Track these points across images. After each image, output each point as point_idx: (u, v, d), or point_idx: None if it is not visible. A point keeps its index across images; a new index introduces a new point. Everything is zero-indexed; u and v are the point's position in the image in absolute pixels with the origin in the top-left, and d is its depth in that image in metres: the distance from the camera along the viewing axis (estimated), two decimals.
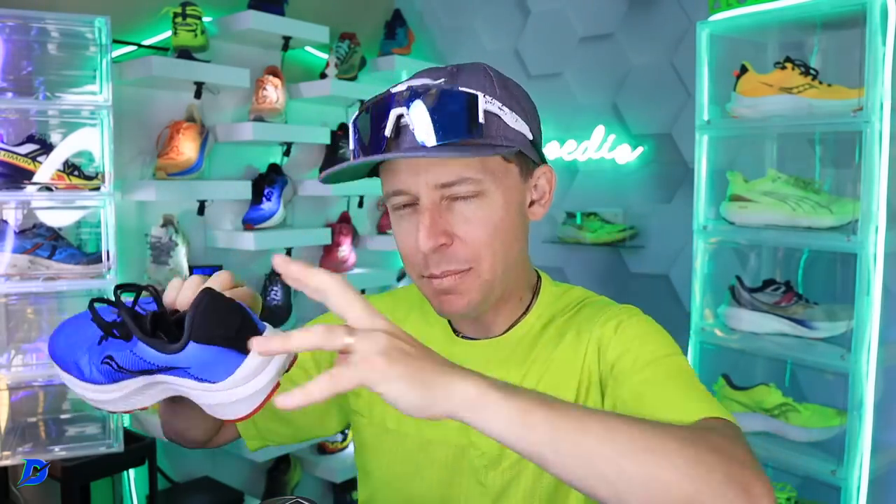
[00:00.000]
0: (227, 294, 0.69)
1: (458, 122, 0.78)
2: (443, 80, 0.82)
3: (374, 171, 0.90)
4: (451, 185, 0.81)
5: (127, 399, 0.71)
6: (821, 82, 1.68)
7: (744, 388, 1.82)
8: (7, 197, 1.69)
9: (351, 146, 0.86)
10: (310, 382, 0.58)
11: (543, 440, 0.59)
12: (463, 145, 0.78)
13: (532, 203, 0.89)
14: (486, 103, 0.80)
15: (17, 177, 1.68)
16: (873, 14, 1.54)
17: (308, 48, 2.49)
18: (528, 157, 0.86)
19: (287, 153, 2.34)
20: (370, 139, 0.81)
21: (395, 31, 2.62)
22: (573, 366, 0.88)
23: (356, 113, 0.85)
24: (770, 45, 1.94)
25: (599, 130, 2.30)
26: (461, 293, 0.84)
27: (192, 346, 0.64)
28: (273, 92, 2.21)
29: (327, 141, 2.38)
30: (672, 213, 2.19)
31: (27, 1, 1.76)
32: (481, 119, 0.79)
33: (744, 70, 1.76)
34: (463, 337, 0.95)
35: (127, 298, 0.69)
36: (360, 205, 2.60)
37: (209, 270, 2.28)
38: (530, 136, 0.85)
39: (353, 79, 2.45)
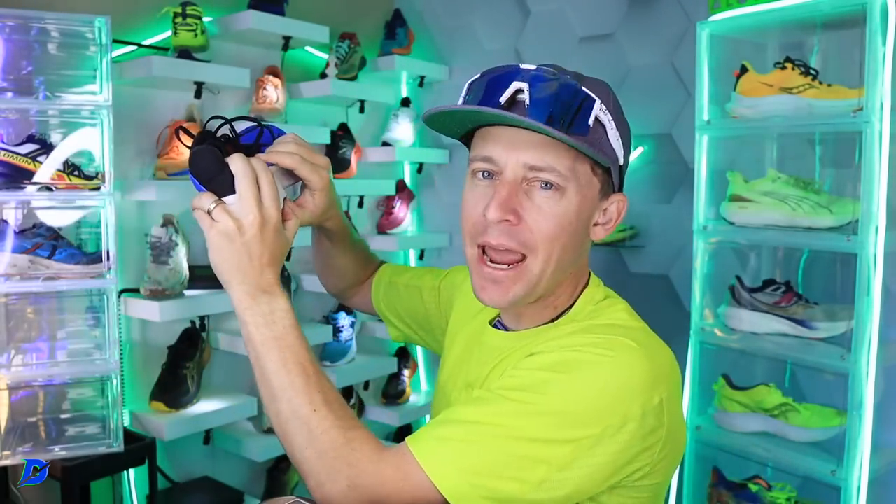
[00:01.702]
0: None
1: (570, 115, 0.81)
2: (569, 76, 0.84)
3: (466, 139, 0.94)
4: (538, 170, 0.83)
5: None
6: (821, 82, 1.68)
7: (744, 388, 1.82)
8: (7, 197, 1.69)
9: (458, 103, 0.88)
10: (204, 197, 0.86)
11: (252, 356, 0.85)
12: (574, 137, 0.81)
13: (597, 223, 0.91)
14: (599, 110, 0.83)
15: (17, 177, 1.68)
16: (873, 14, 1.54)
17: (308, 48, 2.49)
18: (612, 178, 0.88)
19: None
20: (482, 101, 0.84)
21: (395, 31, 2.62)
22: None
23: (474, 76, 0.88)
24: (770, 45, 1.94)
25: None
26: (506, 285, 0.87)
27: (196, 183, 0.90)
28: (273, 92, 2.21)
29: (327, 141, 2.38)
30: (672, 213, 2.19)
31: (27, 1, 1.76)
32: (591, 122, 0.82)
33: (744, 70, 1.76)
34: (495, 324, 1.01)
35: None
36: (360, 205, 2.60)
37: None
38: (621, 162, 0.88)
39: (353, 79, 2.45)
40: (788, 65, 1.71)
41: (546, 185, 0.84)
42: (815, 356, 1.69)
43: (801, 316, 1.75)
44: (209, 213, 0.85)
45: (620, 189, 0.92)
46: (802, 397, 1.84)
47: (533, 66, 0.84)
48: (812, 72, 1.69)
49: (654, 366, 0.82)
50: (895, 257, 1.67)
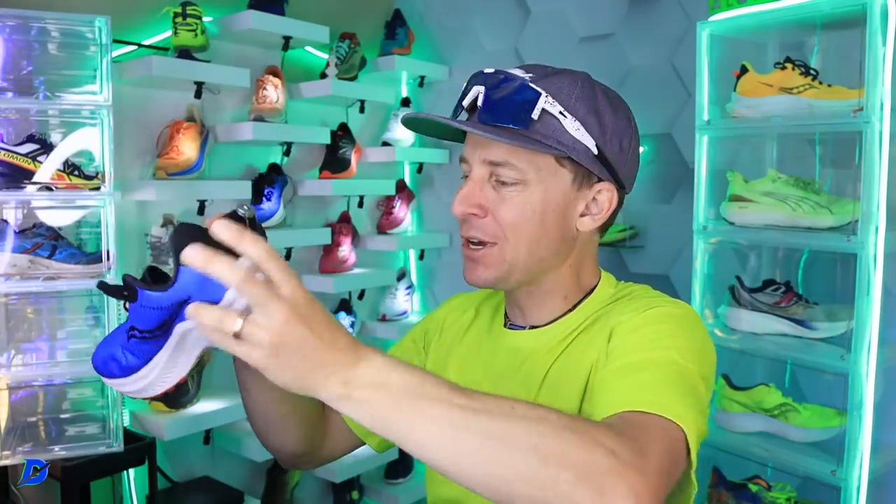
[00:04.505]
0: None
1: (513, 111, 0.85)
2: (531, 75, 0.88)
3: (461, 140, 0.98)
4: (497, 165, 0.89)
5: (168, 370, 0.76)
6: (821, 82, 1.68)
7: (744, 389, 1.82)
8: (7, 197, 1.69)
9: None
10: (216, 313, 0.63)
11: (400, 437, 0.62)
12: (513, 132, 0.85)
13: (585, 214, 0.93)
14: (545, 103, 0.86)
15: (17, 176, 1.68)
16: (873, 14, 1.54)
17: (308, 48, 2.49)
18: (589, 168, 0.90)
19: (287, 153, 2.34)
20: (455, 105, 0.91)
21: (395, 31, 2.62)
22: (590, 351, 0.91)
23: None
24: (770, 45, 1.94)
25: None
26: (483, 265, 0.92)
27: (182, 270, 0.68)
28: (273, 92, 2.21)
29: (327, 141, 2.38)
30: (672, 213, 2.19)
31: (27, 1, 1.76)
32: (535, 115, 0.85)
33: (744, 70, 1.76)
34: (510, 326, 1.02)
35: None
36: (360, 205, 2.60)
37: None
38: (595, 151, 0.88)
39: (353, 79, 2.45)
40: (788, 65, 1.71)
41: (508, 180, 0.89)
42: (815, 356, 1.69)
43: (801, 316, 1.75)
44: (235, 335, 0.62)
45: (617, 179, 0.92)
46: (802, 397, 1.84)
47: (495, 70, 0.89)
48: (812, 72, 1.69)
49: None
50: (895, 257, 1.67)
